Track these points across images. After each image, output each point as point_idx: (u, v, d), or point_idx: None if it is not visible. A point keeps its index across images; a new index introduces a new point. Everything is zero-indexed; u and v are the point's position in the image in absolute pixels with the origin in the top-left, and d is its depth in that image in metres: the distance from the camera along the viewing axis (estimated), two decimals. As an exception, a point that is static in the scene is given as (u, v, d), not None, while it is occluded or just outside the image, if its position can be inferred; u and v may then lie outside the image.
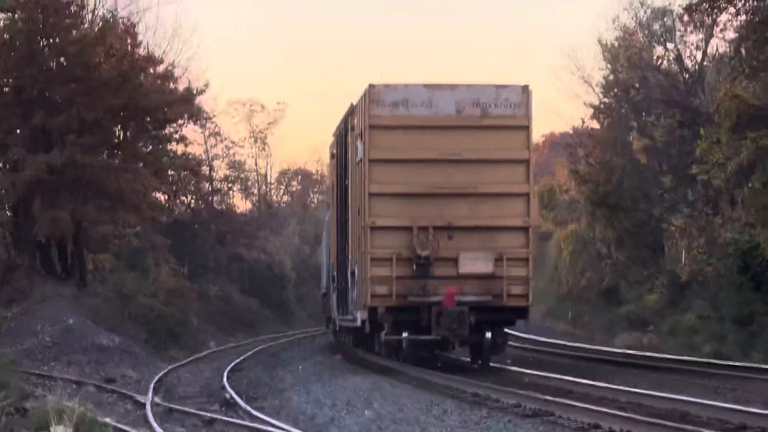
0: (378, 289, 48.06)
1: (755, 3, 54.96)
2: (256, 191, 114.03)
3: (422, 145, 50.86)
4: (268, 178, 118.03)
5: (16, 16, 62.86)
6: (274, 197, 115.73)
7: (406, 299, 47.29)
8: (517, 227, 50.86)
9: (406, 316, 47.69)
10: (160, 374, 46.63)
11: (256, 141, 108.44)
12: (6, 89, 64.20)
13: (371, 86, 51.59)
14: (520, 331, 73.31)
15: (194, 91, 68.04)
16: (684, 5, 61.82)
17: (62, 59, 63.88)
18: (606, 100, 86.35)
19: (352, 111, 54.81)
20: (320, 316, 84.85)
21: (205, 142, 79.70)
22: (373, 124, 50.31)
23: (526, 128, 51.96)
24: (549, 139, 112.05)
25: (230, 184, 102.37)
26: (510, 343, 57.28)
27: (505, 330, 53.44)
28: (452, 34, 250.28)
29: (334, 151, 61.57)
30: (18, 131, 62.09)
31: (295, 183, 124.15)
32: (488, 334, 49.01)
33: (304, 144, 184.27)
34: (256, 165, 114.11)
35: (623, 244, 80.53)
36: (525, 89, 52.52)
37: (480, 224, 50.50)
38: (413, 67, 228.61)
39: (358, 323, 51.33)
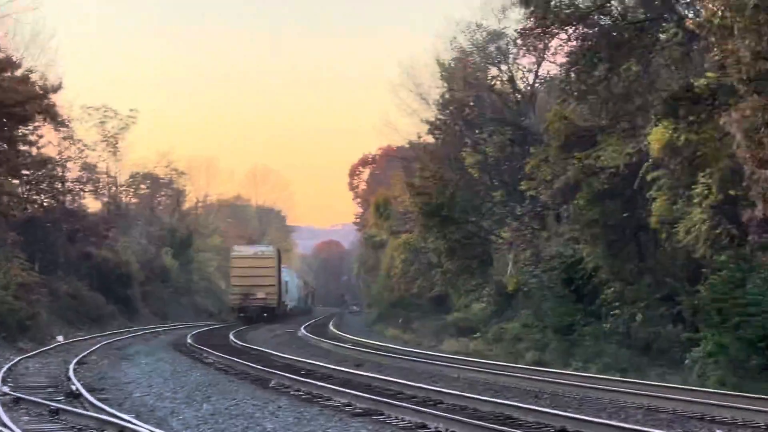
0: (235, 299, 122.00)
1: (585, 30, 57.60)
2: (106, 193, 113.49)
3: (246, 264, 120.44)
4: (119, 180, 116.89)
5: None
6: (124, 199, 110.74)
7: (244, 302, 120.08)
8: (272, 283, 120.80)
9: (244, 309, 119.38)
10: (9, 365, 46.29)
11: (107, 145, 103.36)
12: None
13: (233, 247, 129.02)
14: (358, 335, 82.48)
15: (48, 88, 67.95)
16: (518, 29, 64.15)
17: None
18: (441, 116, 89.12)
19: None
20: (172, 313, 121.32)
21: (59, 145, 78.48)
22: (233, 258, 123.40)
23: (278, 255, 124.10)
24: (386, 152, 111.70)
25: (82, 186, 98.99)
26: (347, 346, 68.21)
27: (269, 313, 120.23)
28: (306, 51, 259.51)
29: None
30: None
31: (143, 186, 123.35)
32: (265, 314, 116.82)
33: (154, 149, 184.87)
34: (107, 168, 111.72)
35: (453, 254, 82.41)
36: (275, 248, 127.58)
37: (263, 284, 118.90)
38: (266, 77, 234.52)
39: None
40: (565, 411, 29.39)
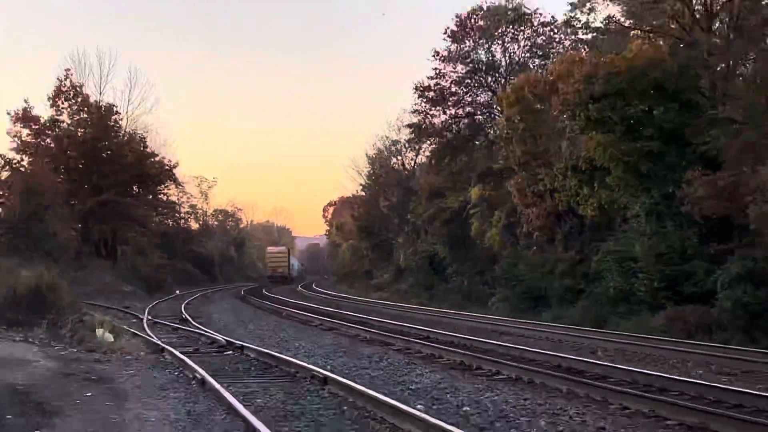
0: (268, 272, 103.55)
1: (439, 140, 58.68)
2: (201, 219, 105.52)
3: (273, 256, 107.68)
4: (208, 212, 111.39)
5: (87, 130, 60.88)
6: (210, 222, 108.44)
7: (272, 274, 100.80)
8: (286, 264, 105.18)
9: (272, 277, 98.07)
10: (150, 305, 44.40)
11: (202, 194, 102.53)
12: (80, 165, 61.39)
13: (267, 248, 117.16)
14: (327, 290, 77.94)
15: (171, 166, 66.83)
16: (407, 139, 68.00)
17: (108, 152, 61.99)
18: (368, 182, 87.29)
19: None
20: (242, 279, 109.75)
21: (177, 195, 77.73)
22: (267, 253, 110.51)
23: (288, 251, 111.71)
24: (341, 200, 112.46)
25: (189, 216, 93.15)
26: (321, 295, 64.26)
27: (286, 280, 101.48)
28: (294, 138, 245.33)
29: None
30: (85, 186, 59.85)
31: (221, 216, 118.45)
32: (282, 279, 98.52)
33: (227, 198, 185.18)
34: (202, 206, 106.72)
35: (375, 249, 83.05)
36: (287, 248, 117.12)
37: (281, 265, 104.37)
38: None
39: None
40: (429, 327, 29.06)
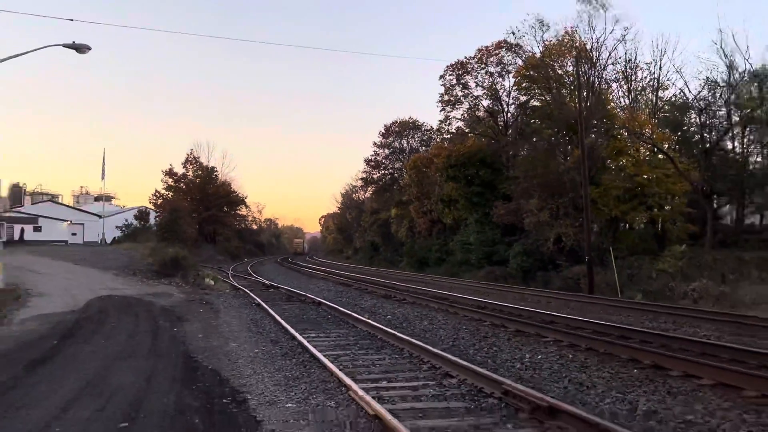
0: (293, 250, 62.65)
1: (375, 186, 56.44)
2: (258, 224, 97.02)
3: (297, 242, 77.27)
4: (261, 220, 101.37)
5: (201, 180, 58.05)
6: (263, 225, 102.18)
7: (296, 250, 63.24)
8: (302, 247, 74.14)
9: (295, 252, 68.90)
10: (233, 266, 42.59)
11: (258, 211, 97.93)
12: (198, 197, 57.01)
13: (294, 239, 77.41)
14: (321, 260, 71.49)
15: (244, 197, 63.09)
16: (360, 185, 64.08)
17: (211, 190, 59.07)
18: (341, 206, 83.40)
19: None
20: (279, 254, 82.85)
21: (247, 211, 74.24)
22: (294, 241, 73.28)
23: (303, 240, 76.93)
24: (328, 214, 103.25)
25: (252, 222, 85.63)
26: (318, 262, 58.45)
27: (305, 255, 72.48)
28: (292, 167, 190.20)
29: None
30: (200, 207, 57.00)
31: (268, 222, 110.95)
32: (300, 253, 70.20)
33: (271, 212, 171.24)
34: (259, 218, 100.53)
35: (344, 239, 78.72)
36: (303, 238, 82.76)
37: (300, 246, 72.85)
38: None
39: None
40: (370, 277, 28.30)
